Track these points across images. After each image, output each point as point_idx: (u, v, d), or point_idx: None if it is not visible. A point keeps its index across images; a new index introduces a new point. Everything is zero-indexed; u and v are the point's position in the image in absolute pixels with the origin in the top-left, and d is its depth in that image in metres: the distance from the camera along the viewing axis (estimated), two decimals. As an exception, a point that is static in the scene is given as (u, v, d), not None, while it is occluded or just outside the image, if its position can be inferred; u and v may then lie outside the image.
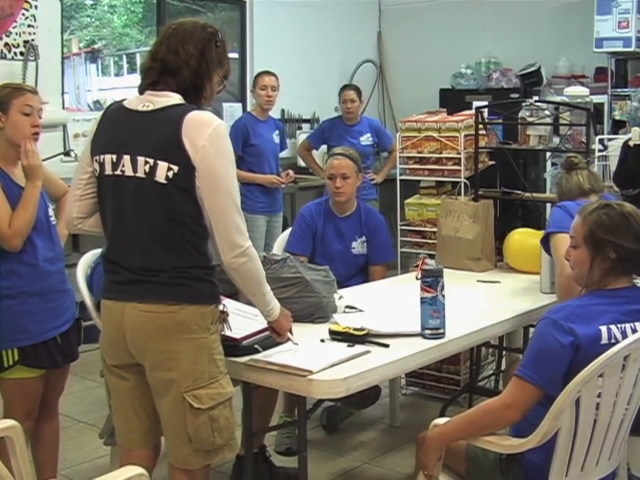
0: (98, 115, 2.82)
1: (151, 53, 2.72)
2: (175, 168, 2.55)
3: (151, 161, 2.57)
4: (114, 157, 2.64)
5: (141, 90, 2.71)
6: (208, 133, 2.56)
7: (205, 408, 2.62)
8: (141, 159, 2.59)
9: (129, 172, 2.61)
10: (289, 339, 2.94)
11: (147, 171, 2.58)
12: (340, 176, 4.50)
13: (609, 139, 6.06)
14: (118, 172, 2.64)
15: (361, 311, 3.54)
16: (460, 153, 5.01)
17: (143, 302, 2.61)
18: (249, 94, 7.86)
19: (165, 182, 2.56)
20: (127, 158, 2.62)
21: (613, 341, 2.56)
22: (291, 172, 6.58)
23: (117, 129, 2.70)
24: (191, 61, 2.64)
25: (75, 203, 2.82)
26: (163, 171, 2.56)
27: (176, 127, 2.55)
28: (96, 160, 2.70)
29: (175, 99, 2.64)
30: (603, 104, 7.06)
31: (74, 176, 2.83)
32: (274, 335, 2.92)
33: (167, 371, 2.63)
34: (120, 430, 2.88)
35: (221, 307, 2.78)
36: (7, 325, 3.21)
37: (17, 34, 5.99)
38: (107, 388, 2.97)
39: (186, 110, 2.60)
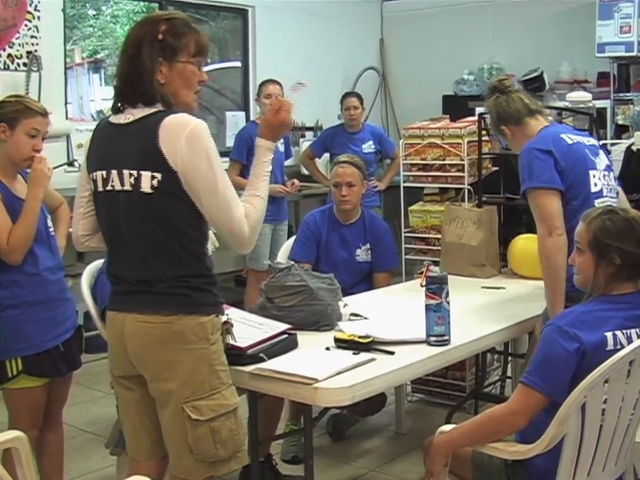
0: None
1: (115, 72, 2.70)
2: (159, 175, 2.53)
3: (135, 172, 2.56)
4: (104, 173, 2.65)
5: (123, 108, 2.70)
6: (184, 136, 2.51)
7: (204, 419, 2.59)
8: (126, 172, 2.59)
9: (117, 186, 2.62)
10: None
11: (133, 183, 2.57)
12: (346, 184, 4.51)
13: (612, 144, 6.05)
14: (109, 187, 2.64)
15: (365, 318, 3.54)
16: (463, 160, 5.02)
17: (142, 313, 2.61)
18: (251, 102, 7.87)
19: (151, 191, 2.55)
20: (114, 173, 2.62)
21: (618, 346, 2.56)
22: (296, 181, 6.58)
23: (105, 144, 2.70)
24: (133, 61, 2.57)
25: (79, 221, 2.84)
26: (147, 181, 2.54)
27: (153, 135, 2.53)
28: (91, 177, 2.72)
29: (148, 108, 2.61)
30: (605, 109, 7.05)
31: (76, 194, 2.85)
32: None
33: (166, 381, 2.61)
34: (129, 441, 2.88)
35: (224, 318, 2.76)
36: (10, 335, 3.22)
37: (20, 45, 6.01)
38: (117, 399, 2.97)
39: (162, 116, 2.56)
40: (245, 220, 2.60)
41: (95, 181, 2.69)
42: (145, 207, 2.57)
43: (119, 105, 2.67)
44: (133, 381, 2.75)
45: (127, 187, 2.59)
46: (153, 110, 2.59)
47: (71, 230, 2.99)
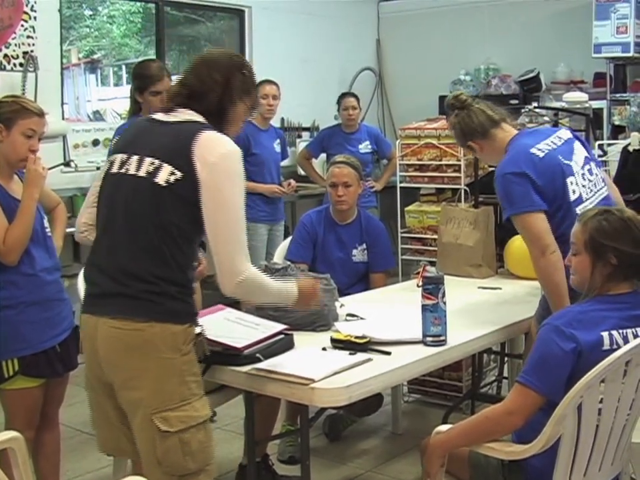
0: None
1: (179, 79, 2.79)
2: (178, 174, 2.55)
3: (157, 162, 2.59)
4: (124, 156, 2.69)
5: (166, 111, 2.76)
6: (221, 152, 2.57)
7: (173, 431, 2.53)
8: (147, 159, 2.61)
9: (132, 171, 2.63)
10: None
11: (150, 171, 2.59)
12: (342, 184, 4.51)
13: (609, 144, 6.06)
14: (123, 170, 2.66)
15: (362, 318, 3.54)
16: (460, 160, 5.01)
17: (114, 317, 2.56)
18: (248, 103, 7.86)
19: (164, 185, 2.56)
20: (135, 158, 2.65)
21: (614, 346, 2.56)
22: (292, 182, 6.57)
23: (136, 133, 2.78)
24: (216, 87, 2.70)
25: (86, 209, 2.86)
26: (165, 174, 2.56)
27: (190, 138, 2.58)
28: (109, 160, 2.75)
29: (198, 118, 2.68)
30: (602, 109, 7.06)
31: (92, 183, 2.86)
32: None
33: (134, 389, 2.57)
34: (105, 438, 2.84)
35: (197, 330, 2.71)
36: (7, 335, 3.21)
37: (16, 45, 6.00)
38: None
39: (205, 127, 2.63)
40: (245, 262, 2.59)
41: (112, 163, 2.71)
42: (151, 198, 2.57)
43: (170, 105, 2.74)
44: (104, 390, 2.69)
45: (142, 174, 2.60)
46: (199, 119, 2.66)
47: (73, 230, 2.99)
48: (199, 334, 2.73)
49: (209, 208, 2.55)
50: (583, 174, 3.39)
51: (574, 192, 3.31)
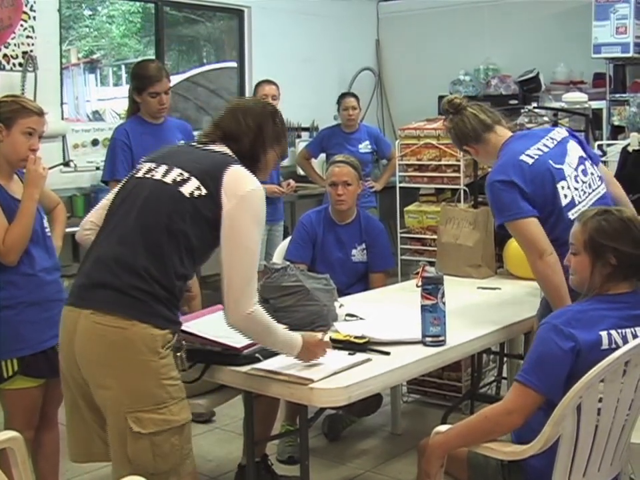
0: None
1: (213, 121, 2.91)
2: (204, 191, 2.63)
3: (186, 174, 2.68)
4: (153, 164, 2.77)
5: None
6: (247, 189, 2.65)
7: (145, 432, 2.52)
8: (177, 170, 2.69)
9: (157, 176, 2.71)
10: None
11: (177, 180, 2.66)
12: (342, 183, 4.52)
13: (608, 145, 6.06)
14: (148, 175, 2.73)
15: (361, 318, 3.54)
16: (459, 160, 5.02)
17: (96, 311, 2.56)
18: (247, 103, 7.86)
19: (187, 196, 2.63)
20: (163, 167, 2.73)
21: (613, 346, 2.56)
22: (292, 182, 6.56)
23: (170, 150, 2.96)
24: (249, 132, 2.81)
25: (98, 210, 2.88)
26: (191, 187, 2.64)
27: (222, 165, 2.68)
28: (137, 166, 2.83)
29: (232, 155, 2.78)
30: (601, 109, 7.06)
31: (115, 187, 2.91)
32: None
33: (109, 388, 2.56)
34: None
35: (177, 338, 2.70)
36: (6, 336, 3.22)
37: (15, 45, 5.99)
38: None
39: (237, 162, 2.73)
40: (253, 299, 2.64)
41: (138, 169, 2.79)
42: (171, 203, 2.63)
43: (205, 141, 2.86)
44: (78, 390, 2.69)
45: (167, 180, 2.68)
46: (233, 155, 2.77)
47: (72, 230, 2.99)
48: (180, 348, 2.74)
49: (227, 239, 2.63)
50: (576, 176, 3.37)
51: (565, 196, 3.30)
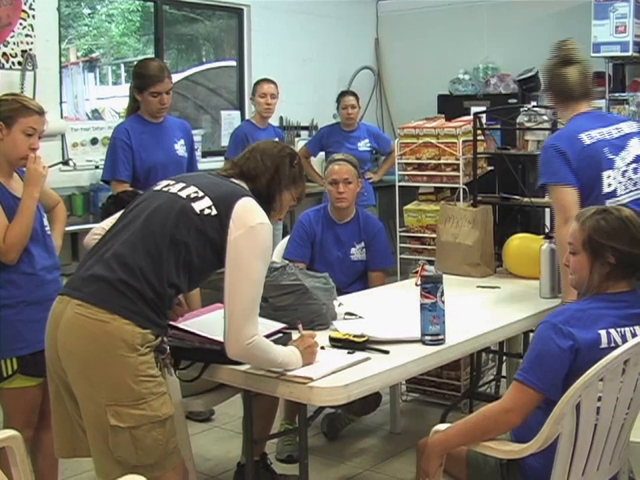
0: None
1: (232, 160, 3.04)
2: (214, 211, 2.70)
3: (201, 193, 2.74)
4: (171, 182, 2.86)
5: None
6: (256, 221, 2.70)
7: (124, 427, 2.53)
8: (193, 188, 2.77)
9: (173, 190, 2.79)
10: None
11: (192, 196, 2.74)
12: (342, 181, 4.53)
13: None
14: (165, 189, 2.81)
15: (360, 317, 3.54)
16: (458, 159, 5.01)
17: (83, 302, 2.58)
18: (247, 102, 7.87)
19: (198, 212, 2.69)
20: (181, 184, 2.80)
21: (612, 345, 2.56)
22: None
23: (190, 174, 3.15)
24: (266, 172, 2.90)
25: (110, 219, 2.93)
26: (203, 204, 2.71)
27: (236, 195, 2.76)
28: (156, 183, 2.93)
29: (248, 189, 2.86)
30: (600, 108, 7.05)
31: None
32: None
33: (87, 380, 2.57)
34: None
35: (164, 347, 2.72)
36: (6, 335, 3.22)
37: (14, 44, 5.99)
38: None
39: (250, 194, 2.81)
40: (254, 329, 2.67)
41: (157, 184, 2.89)
42: (181, 214, 2.69)
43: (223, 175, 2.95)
44: (61, 382, 2.69)
45: (181, 194, 2.75)
46: (247, 187, 2.87)
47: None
48: (166, 356, 2.75)
49: (231, 268, 2.67)
50: (625, 171, 3.52)
51: (609, 185, 3.48)
